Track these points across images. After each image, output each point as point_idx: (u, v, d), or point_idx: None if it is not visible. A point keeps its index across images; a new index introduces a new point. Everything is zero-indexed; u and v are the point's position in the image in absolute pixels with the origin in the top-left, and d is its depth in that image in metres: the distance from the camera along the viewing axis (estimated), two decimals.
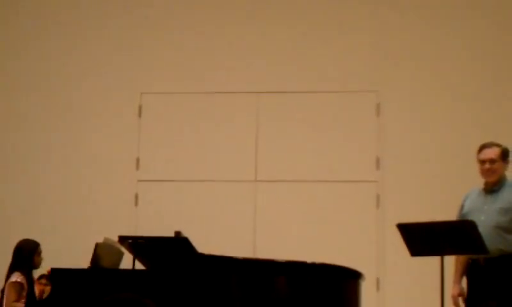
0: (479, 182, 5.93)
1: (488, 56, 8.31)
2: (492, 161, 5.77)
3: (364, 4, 8.58)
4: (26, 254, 6.44)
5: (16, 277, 6.29)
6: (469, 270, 5.80)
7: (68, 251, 7.50)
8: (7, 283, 6.34)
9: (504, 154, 5.82)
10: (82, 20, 8.93)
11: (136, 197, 8.52)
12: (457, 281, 5.88)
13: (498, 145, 5.85)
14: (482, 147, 5.88)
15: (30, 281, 6.39)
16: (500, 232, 5.61)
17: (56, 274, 5.44)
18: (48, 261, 6.10)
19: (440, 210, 6.11)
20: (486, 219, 5.61)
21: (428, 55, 8.42)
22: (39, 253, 6.56)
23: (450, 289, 5.81)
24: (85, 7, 8.95)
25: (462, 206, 5.93)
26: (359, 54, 8.49)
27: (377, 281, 7.98)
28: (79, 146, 8.69)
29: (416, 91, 8.38)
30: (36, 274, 6.97)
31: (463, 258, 5.83)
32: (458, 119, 8.23)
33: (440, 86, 8.33)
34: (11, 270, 6.38)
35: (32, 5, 9.04)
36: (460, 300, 5.88)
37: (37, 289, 7.17)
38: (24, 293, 6.36)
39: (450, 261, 5.76)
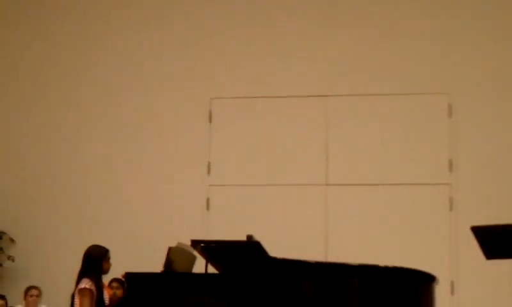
0: None
1: None
2: None
3: (435, 8, 8.48)
4: (95, 260, 6.49)
5: (85, 283, 6.32)
6: None
7: (141, 256, 7.58)
8: (76, 289, 6.40)
9: None
10: (153, 29, 9.02)
11: (208, 201, 8.58)
12: None
13: None
14: None
15: (99, 286, 6.43)
16: None
17: (130, 278, 5.50)
18: (122, 266, 6.15)
19: None
20: None
21: (500, 56, 8.28)
22: (108, 259, 6.60)
23: None
24: (153, 16, 9.04)
25: None
26: (430, 55, 8.40)
27: (452, 285, 7.88)
28: (151, 153, 8.78)
29: (488, 91, 8.26)
30: (106, 279, 7.04)
31: None
32: None
33: None
34: (81, 276, 6.41)
35: (94, 14, 9.18)
36: None
37: (108, 293, 7.25)
38: (94, 300, 6.40)
39: None
